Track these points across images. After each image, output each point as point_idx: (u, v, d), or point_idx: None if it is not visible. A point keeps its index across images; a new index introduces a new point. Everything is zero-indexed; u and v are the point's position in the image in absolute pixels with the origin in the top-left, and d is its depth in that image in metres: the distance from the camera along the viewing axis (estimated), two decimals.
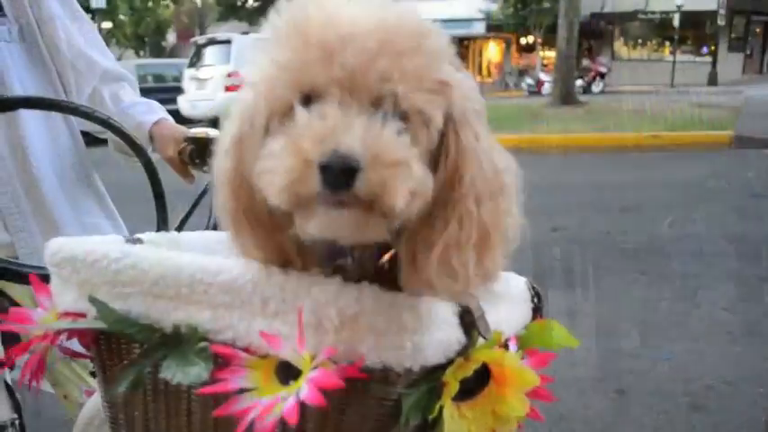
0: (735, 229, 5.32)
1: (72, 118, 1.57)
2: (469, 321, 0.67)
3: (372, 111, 0.60)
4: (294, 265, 0.70)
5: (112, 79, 1.62)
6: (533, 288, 0.88)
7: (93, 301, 0.77)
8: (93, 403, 1.06)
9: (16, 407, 1.54)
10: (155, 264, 0.75)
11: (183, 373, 0.68)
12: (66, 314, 0.82)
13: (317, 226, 0.61)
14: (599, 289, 4.07)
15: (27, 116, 1.48)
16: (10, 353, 0.86)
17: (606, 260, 4.61)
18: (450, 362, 0.66)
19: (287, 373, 0.63)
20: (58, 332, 0.82)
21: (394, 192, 0.57)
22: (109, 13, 23.49)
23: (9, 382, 1.54)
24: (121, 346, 0.79)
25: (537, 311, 0.87)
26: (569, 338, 0.79)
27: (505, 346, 0.76)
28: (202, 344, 0.69)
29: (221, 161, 0.70)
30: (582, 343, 0.79)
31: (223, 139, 0.71)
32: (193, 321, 0.71)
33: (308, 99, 0.62)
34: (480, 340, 0.68)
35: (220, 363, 0.67)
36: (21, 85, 1.48)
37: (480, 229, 0.64)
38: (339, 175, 0.56)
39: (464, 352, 0.67)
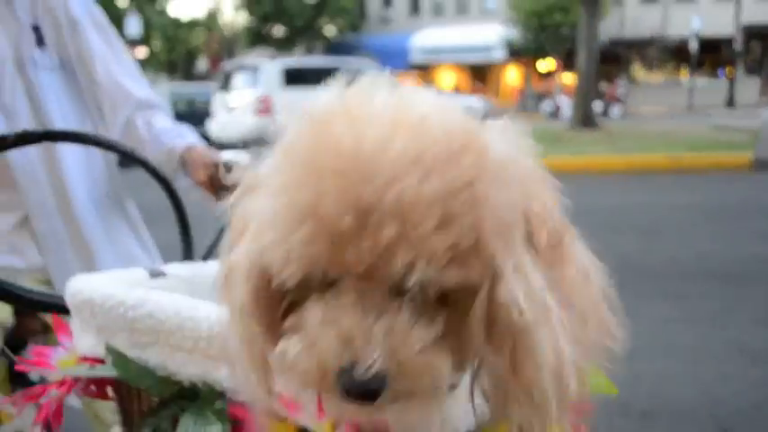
0: (756, 250, 5.25)
1: None
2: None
3: (397, 296, 0.53)
4: None
5: (146, 107, 1.65)
6: None
7: (109, 350, 0.76)
8: None
9: (47, 425, 1.57)
10: (172, 314, 0.72)
11: None
12: (85, 359, 0.80)
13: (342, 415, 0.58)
14: (620, 311, 4.03)
15: None
16: (25, 397, 0.86)
17: (627, 282, 4.53)
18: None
19: None
20: (76, 379, 0.80)
21: (422, 399, 0.54)
22: (144, 41, 24.00)
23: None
24: (141, 393, 0.77)
25: None
26: (609, 386, 0.76)
27: None
28: (220, 403, 0.68)
29: (234, 289, 0.62)
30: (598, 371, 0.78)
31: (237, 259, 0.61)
32: (211, 378, 0.69)
33: (321, 280, 0.55)
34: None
35: (237, 424, 0.65)
36: (60, 112, 1.53)
37: (503, 376, 0.57)
38: (360, 395, 0.52)
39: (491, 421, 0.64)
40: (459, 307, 0.55)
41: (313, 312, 0.55)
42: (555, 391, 0.55)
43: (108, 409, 1.57)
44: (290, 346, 0.55)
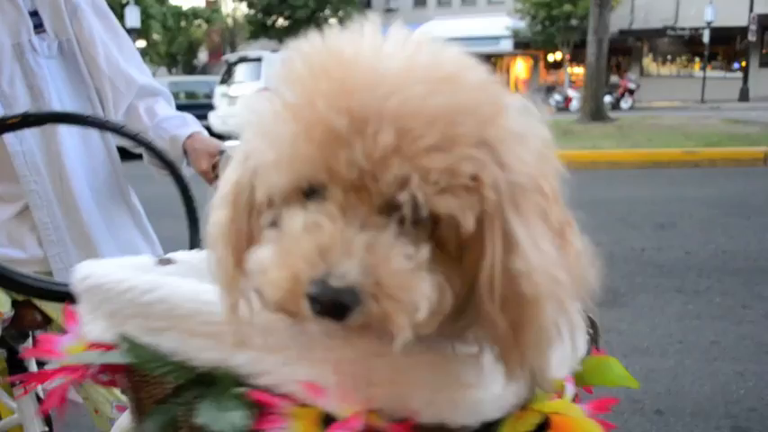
0: None
1: (108, 133, 1.58)
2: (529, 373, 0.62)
3: (384, 215, 0.50)
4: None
5: (148, 94, 1.63)
6: (588, 316, 0.80)
7: (121, 338, 0.73)
8: (126, 420, 1.04)
9: (47, 419, 1.54)
10: (188, 299, 0.70)
11: (220, 419, 0.63)
12: (95, 345, 0.78)
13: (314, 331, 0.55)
14: (635, 307, 3.98)
15: (64, 131, 1.49)
16: (33, 378, 0.84)
17: (641, 277, 4.52)
18: (508, 415, 0.61)
19: (332, 425, 0.58)
20: (88, 366, 0.78)
21: (399, 325, 0.49)
22: (143, 32, 23.95)
23: (41, 394, 1.54)
24: (154, 379, 0.75)
25: (592, 341, 0.80)
26: (629, 378, 0.74)
27: (562, 388, 0.70)
28: (239, 389, 0.64)
29: (214, 213, 0.60)
30: (618, 362, 0.76)
31: (220, 187, 0.61)
32: (230, 363, 0.66)
33: (308, 190, 0.52)
34: (540, 391, 0.62)
35: (259, 410, 0.62)
36: (59, 100, 1.49)
37: (503, 336, 0.54)
38: (330, 308, 0.48)
39: (523, 405, 0.62)
40: (447, 243, 0.52)
41: (293, 220, 0.51)
42: (547, 362, 0.55)
43: (108, 403, 1.55)
44: (265, 252, 0.52)
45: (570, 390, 0.72)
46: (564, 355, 0.73)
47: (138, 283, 0.74)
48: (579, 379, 0.75)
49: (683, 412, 2.77)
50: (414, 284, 0.49)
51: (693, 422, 2.69)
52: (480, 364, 0.58)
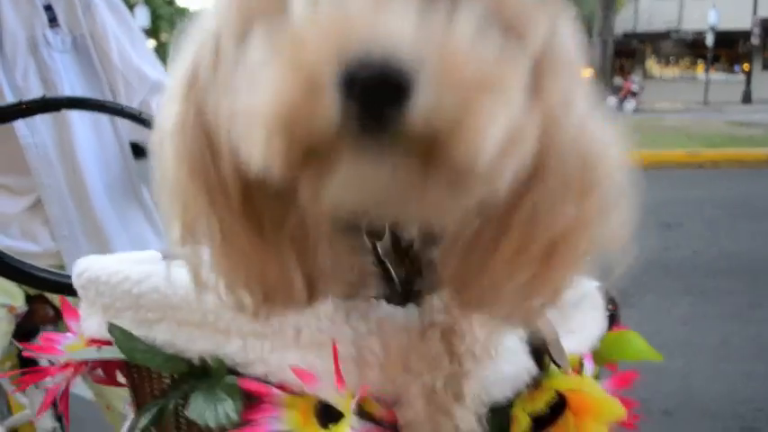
0: None
1: (121, 128, 1.58)
2: (541, 349, 0.58)
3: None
4: (293, 296, 0.46)
5: (161, 90, 1.63)
6: (607, 292, 0.78)
7: (112, 330, 0.71)
8: None
9: (58, 415, 1.54)
10: (178, 287, 0.67)
11: (211, 411, 0.61)
12: (93, 341, 0.76)
13: (337, 191, 0.34)
14: (641, 307, 3.97)
15: (77, 124, 1.49)
16: (28, 377, 0.84)
17: (648, 278, 4.49)
18: (519, 394, 0.59)
19: (327, 413, 0.56)
20: (82, 363, 0.77)
21: (478, 126, 0.32)
22: (152, 32, 23.99)
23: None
24: (152, 374, 0.73)
25: (612, 319, 0.78)
26: (651, 351, 0.71)
27: (580, 365, 0.68)
28: (230, 378, 0.62)
29: (166, 108, 0.44)
30: (625, 362, 0.74)
31: (172, 77, 0.45)
32: (221, 352, 0.64)
33: None
34: (554, 368, 0.60)
35: (252, 400, 0.60)
36: (72, 94, 1.49)
37: (549, 238, 0.43)
38: (377, 96, 0.31)
39: (535, 383, 0.59)
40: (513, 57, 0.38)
41: (297, 6, 0.34)
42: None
43: (120, 399, 1.54)
44: (254, 59, 0.34)
45: (589, 368, 0.70)
46: (583, 326, 0.72)
47: (131, 274, 0.72)
48: (598, 356, 0.73)
49: (690, 413, 2.76)
50: (497, 65, 0.33)
51: (701, 422, 2.69)
52: (485, 340, 0.53)
